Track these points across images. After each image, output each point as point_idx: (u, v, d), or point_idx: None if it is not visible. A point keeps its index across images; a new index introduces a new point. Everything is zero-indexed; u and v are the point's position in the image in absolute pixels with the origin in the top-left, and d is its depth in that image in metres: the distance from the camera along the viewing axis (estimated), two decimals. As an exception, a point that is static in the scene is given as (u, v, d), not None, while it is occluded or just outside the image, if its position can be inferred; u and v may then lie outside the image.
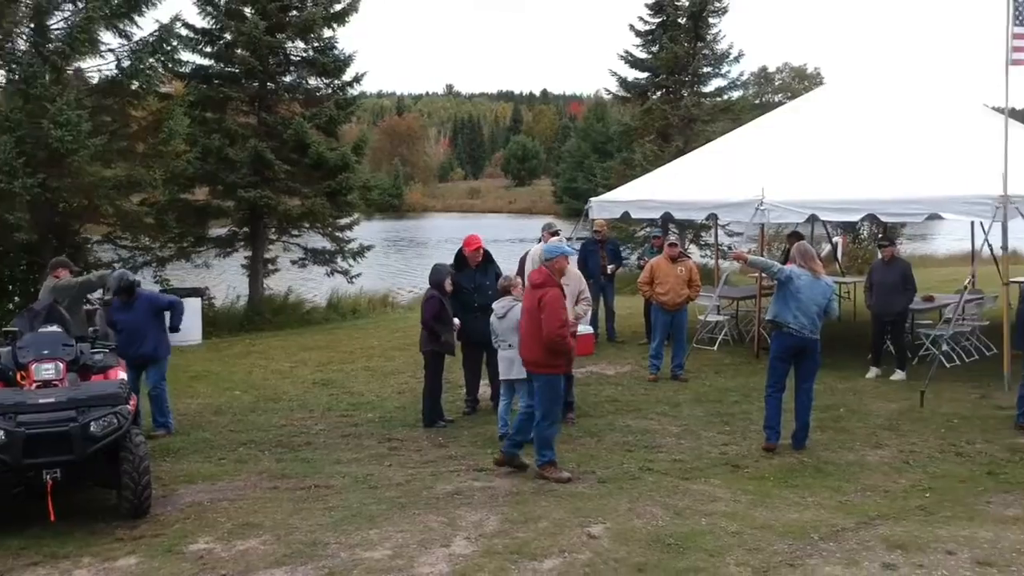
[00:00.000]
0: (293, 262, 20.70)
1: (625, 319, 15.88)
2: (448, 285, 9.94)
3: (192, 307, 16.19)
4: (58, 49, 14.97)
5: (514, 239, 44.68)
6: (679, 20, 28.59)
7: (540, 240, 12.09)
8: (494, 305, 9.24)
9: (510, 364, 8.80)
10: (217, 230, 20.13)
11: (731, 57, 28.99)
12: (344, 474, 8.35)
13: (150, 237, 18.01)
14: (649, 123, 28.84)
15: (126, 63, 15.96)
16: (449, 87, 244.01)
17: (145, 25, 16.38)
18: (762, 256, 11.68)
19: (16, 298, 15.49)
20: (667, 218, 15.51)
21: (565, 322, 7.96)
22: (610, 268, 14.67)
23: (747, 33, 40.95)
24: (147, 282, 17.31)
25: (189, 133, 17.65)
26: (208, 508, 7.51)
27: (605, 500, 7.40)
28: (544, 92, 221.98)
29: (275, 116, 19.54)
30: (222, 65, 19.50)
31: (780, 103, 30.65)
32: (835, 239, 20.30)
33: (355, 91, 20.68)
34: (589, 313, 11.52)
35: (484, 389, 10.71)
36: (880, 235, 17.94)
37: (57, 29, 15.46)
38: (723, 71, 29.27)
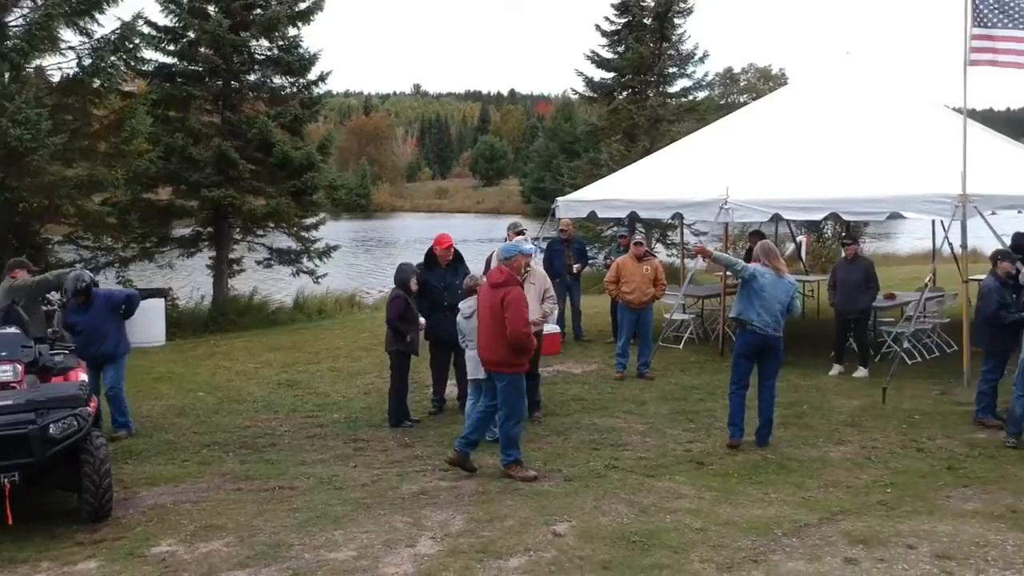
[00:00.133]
0: (258, 262, 20.54)
1: (592, 318, 15.92)
2: (414, 284, 9.92)
3: (155, 308, 16.06)
4: (17, 47, 14.73)
5: (483, 239, 44.65)
6: (644, 21, 28.68)
7: (506, 239, 12.08)
8: (460, 305, 9.25)
9: (477, 364, 8.77)
10: (181, 230, 19.92)
11: (696, 58, 29.15)
12: (309, 475, 8.30)
13: (112, 237, 17.83)
14: (615, 123, 28.94)
15: (87, 61, 15.78)
16: (416, 87, 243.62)
17: (107, 23, 16.28)
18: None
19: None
20: (633, 217, 15.56)
21: (529, 320, 7.97)
22: (576, 267, 14.69)
23: (712, 34, 41.37)
24: (110, 283, 17.12)
25: (152, 132, 17.47)
26: (171, 510, 7.44)
27: (571, 498, 7.42)
28: (512, 92, 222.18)
29: (239, 115, 19.39)
30: (185, 63, 19.31)
31: (745, 103, 30.86)
32: (799, 238, 20.45)
33: (320, 90, 20.58)
34: (556, 312, 11.53)
35: (451, 389, 10.71)
36: (843, 234, 18.13)
37: (16, 26, 15.24)
38: (688, 71, 29.44)
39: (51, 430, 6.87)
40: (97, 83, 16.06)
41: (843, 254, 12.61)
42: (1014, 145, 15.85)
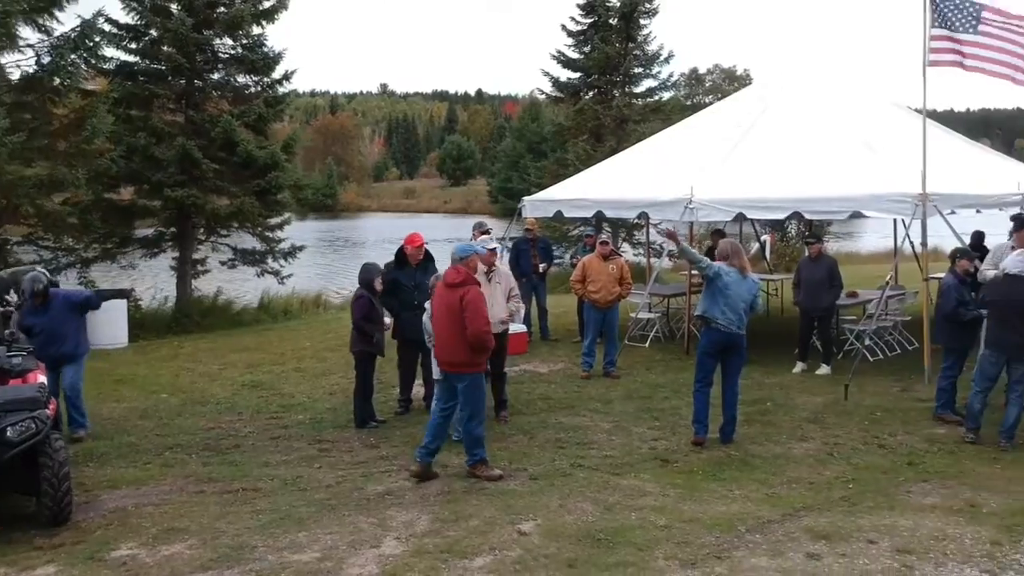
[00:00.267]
0: (222, 263, 20.31)
1: (559, 317, 15.95)
2: (378, 284, 9.88)
3: (118, 309, 15.86)
4: (-27, 45, 14.49)
5: (450, 238, 44.54)
6: (610, 21, 28.79)
7: (472, 239, 12.07)
8: (427, 304, 9.21)
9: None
10: (143, 230, 19.67)
11: (661, 58, 29.30)
12: (273, 476, 8.25)
13: (73, 238, 17.59)
14: (582, 123, 29.03)
15: (46, 59, 15.56)
16: (383, 86, 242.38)
17: (67, 20, 16.02)
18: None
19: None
20: (599, 217, 15.61)
21: (489, 319, 7.96)
22: (542, 267, 14.70)
23: (678, 35, 41.47)
24: (72, 284, 16.88)
25: (113, 131, 17.26)
26: (132, 513, 7.36)
27: (536, 497, 7.42)
28: (479, 92, 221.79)
29: (203, 114, 19.17)
30: (148, 62, 19.06)
31: (710, 104, 31.02)
32: (763, 237, 20.66)
33: (285, 89, 20.37)
34: (522, 311, 11.54)
35: (418, 389, 10.67)
36: (807, 233, 18.31)
37: (-28, 24, 14.96)
38: (654, 72, 29.58)
39: (8, 433, 6.77)
40: (57, 81, 15.84)
41: (807, 253, 12.73)
42: (973, 145, 16.12)
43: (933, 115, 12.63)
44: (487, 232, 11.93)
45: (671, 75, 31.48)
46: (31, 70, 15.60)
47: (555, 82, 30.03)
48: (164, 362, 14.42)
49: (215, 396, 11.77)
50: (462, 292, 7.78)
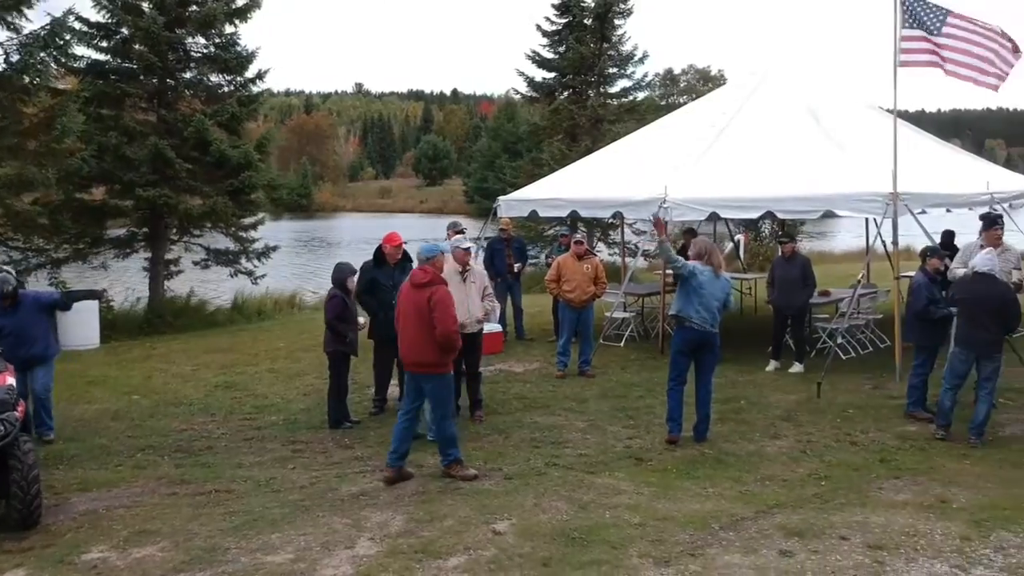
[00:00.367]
0: (195, 263, 20.15)
1: (534, 317, 15.96)
2: (351, 284, 9.85)
3: (89, 310, 15.70)
4: (-60, 42, 14.29)
5: (426, 238, 44.42)
6: (585, 21, 28.90)
7: (446, 238, 12.05)
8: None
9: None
10: (115, 231, 19.47)
11: (636, 58, 29.45)
12: (246, 478, 8.19)
13: (44, 238, 17.38)
14: (557, 123, 29.12)
15: (15, 57, 15.37)
16: (358, 86, 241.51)
17: (36, 18, 15.83)
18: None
19: None
20: (574, 216, 15.63)
21: (457, 319, 7.94)
22: (517, 267, 14.70)
23: (652, 35, 41.68)
24: (42, 285, 16.69)
25: (84, 130, 17.07)
26: (103, 516, 7.29)
27: (511, 496, 7.42)
28: (455, 92, 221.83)
29: (175, 113, 19.00)
30: (119, 60, 18.87)
31: (685, 104, 31.18)
32: (737, 237, 20.77)
33: (259, 88, 20.24)
34: (497, 310, 11.55)
35: (393, 389, 10.62)
36: (780, 232, 18.44)
37: (-62, 21, 14.77)
38: (628, 72, 29.74)
39: (-24, 436, 6.68)
40: (26, 80, 15.63)
41: (780, 252, 12.81)
42: (943, 145, 16.30)
43: (904, 115, 12.74)
44: (461, 232, 11.93)
45: (646, 75, 31.68)
46: (0, 68, 15.40)
47: (530, 82, 30.11)
48: (136, 363, 14.29)
49: (188, 397, 11.68)
50: (430, 292, 7.73)
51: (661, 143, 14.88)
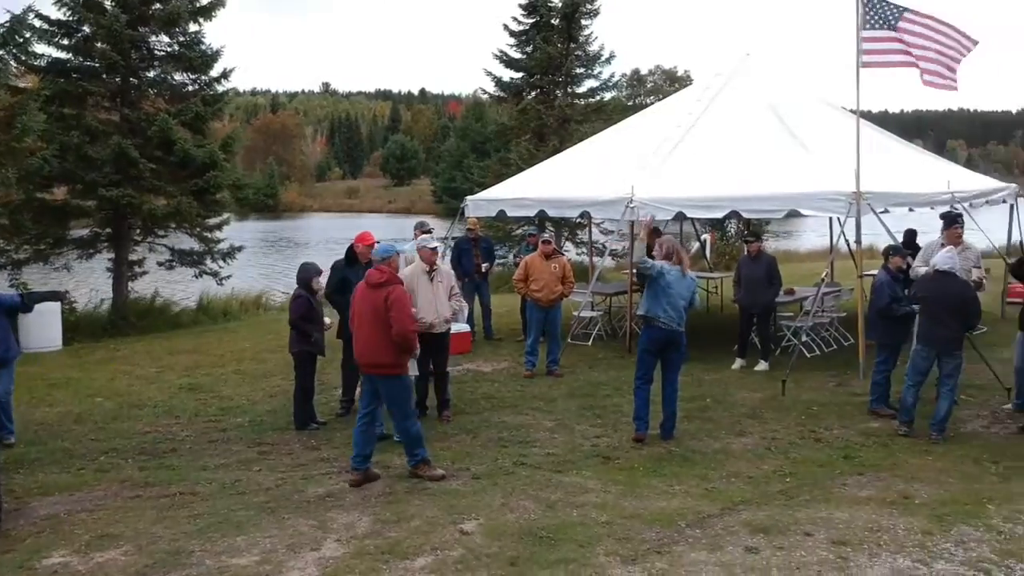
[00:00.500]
0: (160, 264, 19.93)
1: (502, 316, 15.96)
2: (316, 284, 9.80)
3: (51, 311, 15.49)
4: None
5: (396, 238, 44.34)
6: (552, 21, 28.92)
7: (414, 238, 12.02)
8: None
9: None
10: (78, 231, 19.21)
11: (603, 58, 29.54)
12: (211, 480, 8.11)
13: (4, 239, 17.14)
14: (525, 123, 29.13)
15: (-27, 55, 15.10)
16: (325, 85, 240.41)
17: (-6, 16, 15.53)
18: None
19: None
20: (542, 216, 15.63)
21: (414, 319, 7.91)
22: (484, 267, 14.69)
23: (619, 36, 41.90)
24: (2, 287, 16.43)
25: (45, 129, 16.80)
26: (65, 520, 7.19)
27: (479, 496, 7.42)
28: (423, 91, 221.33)
29: (139, 112, 18.77)
30: (81, 59, 18.59)
31: (652, 104, 31.32)
32: (703, 236, 20.88)
33: (224, 87, 20.05)
34: (465, 310, 11.54)
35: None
36: (746, 231, 18.56)
37: None
38: (595, 72, 29.82)
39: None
40: (-15, 78, 15.40)
41: (746, 251, 12.91)
42: (906, 146, 16.51)
43: (868, 116, 12.91)
44: (429, 231, 11.88)
45: (613, 75, 31.78)
46: (-43, 67, 15.16)
47: (498, 82, 30.10)
48: (100, 365, 14.11)
49: (152, 399, 11.54)
50: (387, 292, 7.69)
51: (628, 143, 14.93)
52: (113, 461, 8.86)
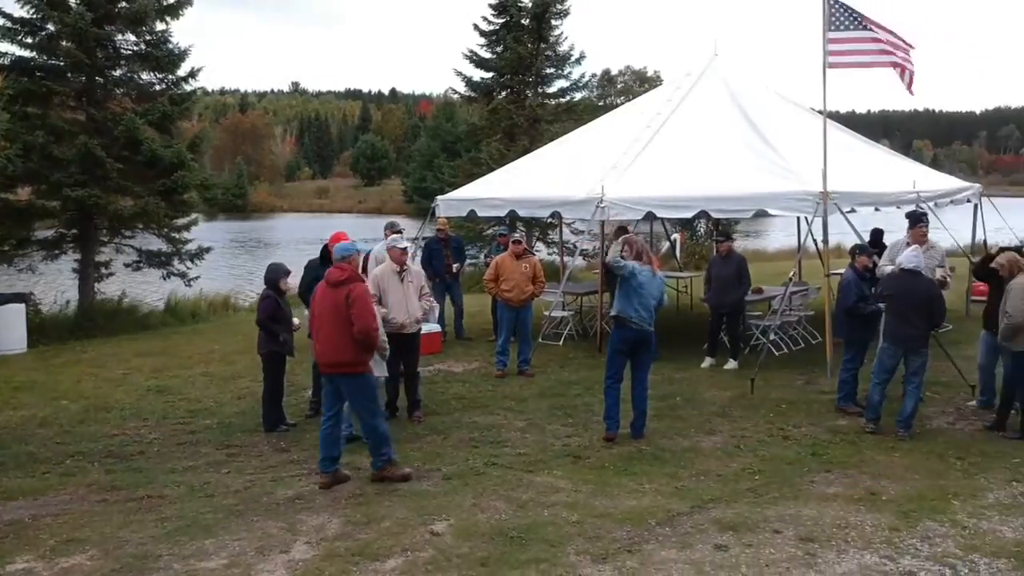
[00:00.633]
0: (127, 265, 19.68)
1: (473, 316, 15.94)
2: (284, 284, 9.74)
3: (15, 313, 15.28)
4: None
5: (366, 238, 44.15)
6: (522, 21, 28.96)
7: (384, 238, 11.99)
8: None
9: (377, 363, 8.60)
10: (43, 232, 18.94)
11: (573, 59, 29.62)
12: (179, 483, 8.04)
13: (-34, 241, 16.85)
14: (495, 123, 29.13)
15: (-66, 53, 14.85)
16: (295, 84, 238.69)
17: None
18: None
19: None
20: (513, 216, 15.63)
21: (376, 316, 7.87)
22: (455, 267, 14.67)
23: (590, 36, 42.09)
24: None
25: (9, 129, 16.59)
26: (29, 525, 7.10)
27: (449, 497, 7.41)
28: (393, 91, 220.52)
29: (105, 111, 18.53)
30: (45, 57, 18.32)
31: (622, 104, 31.46)
32: (673, 236, 20.98)
33: (191, 87, 19.86)
34: (436, 310, 11.50)
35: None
36: (716, 231, 18.68)
37: None
38: (566, 72, 29.90)
39: None
40: (-54, 77, 15.15)
41: (716, 251, 12.98)
42: (872, 146, 16.68)
43: (835, 116, 13.02)
44: (399, 231, 11.84)
45: (583, 76, 31.91)
46: (-83, 65, 14.90)
47: (468, 82, 30.10)
48: (66, 368, 13.92)
49: (119, 402, 11.41)
50: (348, 289, 7.65)
51: (598, 143, 14.97)
52: (79, 465, 8.76)
